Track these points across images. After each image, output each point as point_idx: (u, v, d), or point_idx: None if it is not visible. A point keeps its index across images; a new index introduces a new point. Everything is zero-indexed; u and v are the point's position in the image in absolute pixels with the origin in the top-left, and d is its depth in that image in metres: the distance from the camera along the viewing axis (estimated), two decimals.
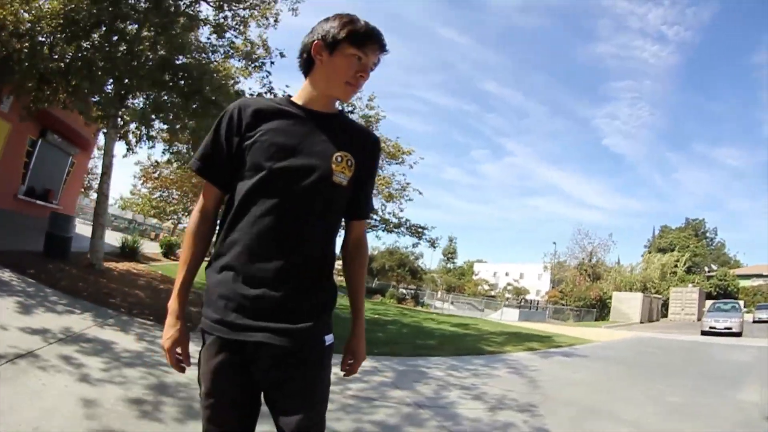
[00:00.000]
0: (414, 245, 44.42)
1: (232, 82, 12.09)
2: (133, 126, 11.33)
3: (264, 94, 11.74)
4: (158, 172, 29.93)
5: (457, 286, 61.85)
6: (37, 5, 8.94)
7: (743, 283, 45.39)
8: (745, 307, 35.67)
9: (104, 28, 9.55)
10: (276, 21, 12.32)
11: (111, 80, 9.91)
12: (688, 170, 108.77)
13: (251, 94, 11.65)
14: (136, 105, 11.29)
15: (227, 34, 11.78)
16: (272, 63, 12.48)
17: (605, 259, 50.41)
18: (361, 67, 1.41)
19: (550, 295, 48.93)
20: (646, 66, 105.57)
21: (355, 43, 1.38)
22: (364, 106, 20.94)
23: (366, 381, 5.37)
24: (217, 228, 1.48)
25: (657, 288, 41.85)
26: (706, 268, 49.99)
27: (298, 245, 1.34)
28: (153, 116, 10.64)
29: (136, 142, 11.64)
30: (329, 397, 1.44)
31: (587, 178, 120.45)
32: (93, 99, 10.11)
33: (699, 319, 27.73)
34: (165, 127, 11.51)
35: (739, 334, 21.28)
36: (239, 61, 12.59)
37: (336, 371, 1.51)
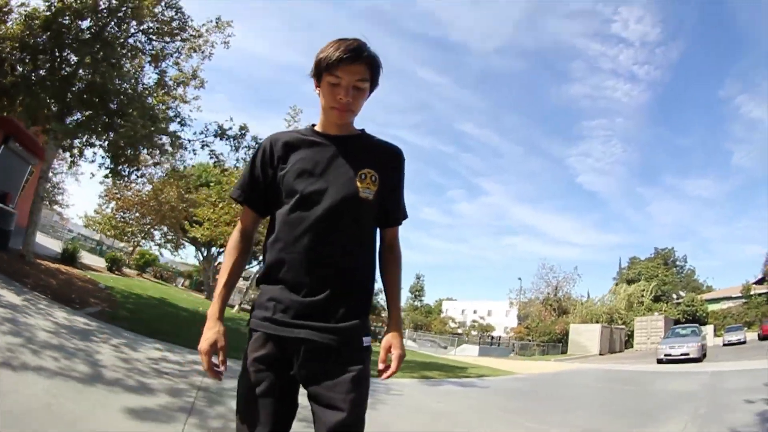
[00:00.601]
0: None
1: (164, 106, 12.82)
2: (77, 141, 12.18)
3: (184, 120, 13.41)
4: (120, 194, 29.79)
5: (424, 324, 61.00)
6: (3, 27, 10.30)
7: (712, 307, 43.34)
8: (715, 331, 33.61)
9: (48, 55, 10.89)
10: (210, 55, 13.63)
11: (52, 99, 11.00)
12: (660, 202, 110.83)
13: (183, 118, 13.43)
14: (71, 123, 11.99)
15: (163, 64, 13.08)
16: (203, 86, 13.83)
17: (572, 293, 48.77)
18: (340, 90, 1.49)
19: (515, 331, 47.88)
20: (619, 105, 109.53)
21: (329, 70, 1.47)
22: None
23: None
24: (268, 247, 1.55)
25: (623, 318, 40.29)
26: (675, 296, 47.66)
27: (334, 258, 1.46)
28: (80, 133, 11.64)
29: (79, 155, 12.49)
30: None
31: (562, 215, 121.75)
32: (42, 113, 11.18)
33: None
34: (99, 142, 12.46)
35: (698, 360, 18.67)
36: (174, 89, 13.44)
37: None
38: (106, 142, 12.21)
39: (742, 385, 9.93)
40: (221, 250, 34.15)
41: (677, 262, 63.98)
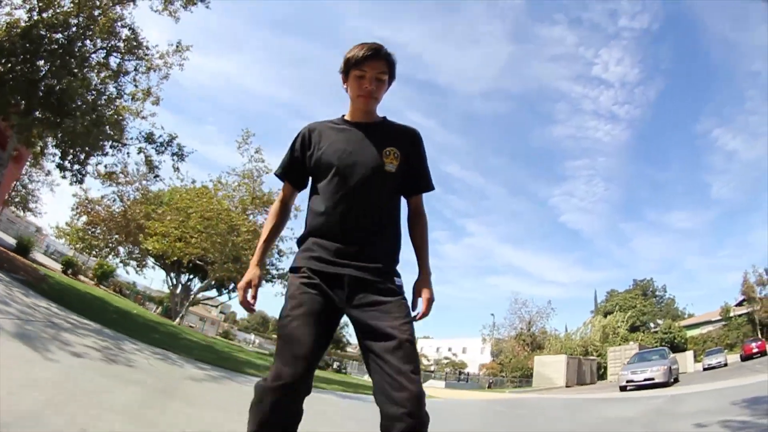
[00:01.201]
0: None
1: (116, 116, 14.03)
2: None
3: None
4: (92, 208, 30.08)
5: None
6: None
7: (692, 332, 40.35)
8: (695, 356, 30.65)
9: (21, 60, 11.62)
10: (167, 75, 14.98)
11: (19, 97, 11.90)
12: (643, 237, 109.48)
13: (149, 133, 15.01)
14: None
15: (123, 80, 14.19)
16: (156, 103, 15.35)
17: (546, 327, 45.81)
18: (365, 81, 1.85)
19: (487, 367, 45.81)
20: (600, 144, 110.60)
21: (356, 66, 1.84)
22: (247, 161, 24.00)
23: None
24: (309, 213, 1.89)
25: (599, 350, 37.04)
26: (652, 325, 44.50)
27: (365, 217, 1.79)
28: (34, 127, 12.62)
29: (41, 152, 14.67)
30: None
31: (546, 254, 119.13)
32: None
33: None
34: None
35: (666, 384, 15.47)
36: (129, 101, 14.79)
37: None
38: (56, 140, 13.51)
39: (701, 407, 7.90)
40: (191, 277, 35.23)
41: (657, 293, 61.20)
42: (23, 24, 11.62)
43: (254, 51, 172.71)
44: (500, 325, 48.37)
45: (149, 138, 14.76)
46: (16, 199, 36.52)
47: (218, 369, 7.22)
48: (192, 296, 36.13)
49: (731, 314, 38.80)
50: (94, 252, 32.24)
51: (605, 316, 43.96)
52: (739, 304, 40.48)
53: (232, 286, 43.03)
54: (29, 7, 11.83)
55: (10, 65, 11.69)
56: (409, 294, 1.80)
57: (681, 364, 28.57)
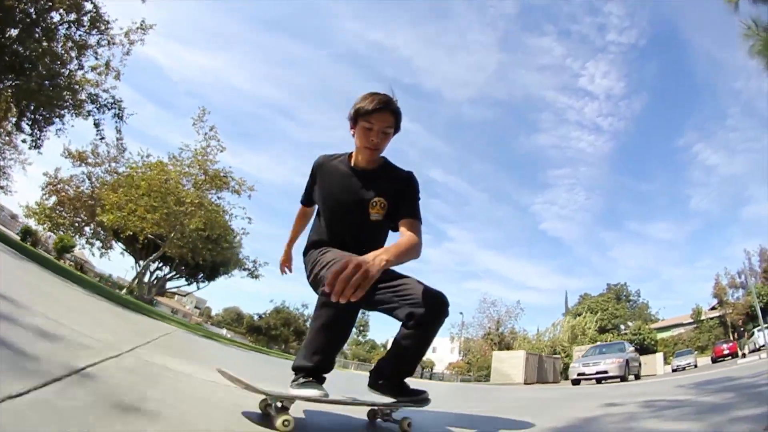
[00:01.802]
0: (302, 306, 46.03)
1: (79, 88, 15.05)
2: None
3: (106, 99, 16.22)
4: (61, 187, 29.77)
5: (366, 359, 59.18)
6: None
7: (663, 335, 38.55)
8: (665, 358, 28.89)
9: None
10: (128, 51, 15.78)
11: None
12: (623, 247, 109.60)
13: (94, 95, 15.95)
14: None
15: (88, 53, 14.82)
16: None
17: (515, 327, 43.89)
18: (372, 133, 2.05)
19: (454, 366, 44.99)
20: (583, 154, 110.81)
21: (365, 117, 2.02)
22: (202, 138, 23.47)
23: None
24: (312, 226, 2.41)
25: (567, 350, 35.23)
26: (623, 327, 42.67)
27: (352, 247, 2.05)
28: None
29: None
30: None
31: (527, 261, 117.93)
32: None
33: None
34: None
35: (622, 378, 13.41)
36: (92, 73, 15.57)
37: None
38: (12, 99, 13.67)
39: (638, 391, 5.71)
40: (161, 265, 36.64)
41: (630, 297, 59.78)
42: None
43: (245, 49, 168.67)
44: (469, 325, 46.28)
45: (93, 99, 15.46)
46: None
47: None
48: (156, 281, 35.08)
49: (703, 317, 37.11)
50: (60, 231, 32.10)
51: (575, 318, 42.16)
52: (712, 309, 38.84)
53: (201, 276, 42.02)
54: None
55: None
56: None
57: (650, 365, 26.79)
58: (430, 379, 37.93)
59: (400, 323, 1.93)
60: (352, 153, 2.19)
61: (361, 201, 2.09)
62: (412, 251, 1.94)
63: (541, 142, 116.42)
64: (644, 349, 33.35)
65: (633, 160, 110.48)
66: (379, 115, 1.99)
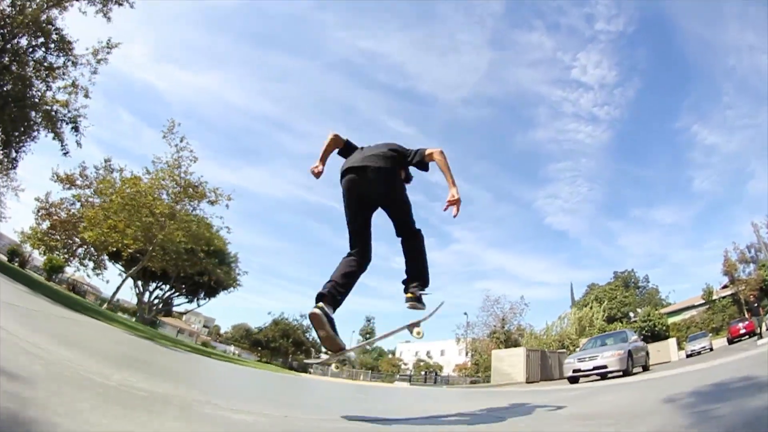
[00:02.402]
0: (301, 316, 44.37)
1: (49, 108, 15.63)
2: None
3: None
4: (53, 211, 30.25)
5: (374, 366, 57.74)
6: None
7: (674, 319, 35.91)
8: (678, 343, 26.51)
9: None
10: (95, 70, 16.28)
11: None
12: (629, 234, 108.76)
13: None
14: None
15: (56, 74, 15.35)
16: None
17: (522, 324, 41.26)
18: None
19: (460, 367, 43.30)
20: (582, 145, 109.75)
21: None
22: (174, 145, 23.32)
23: None
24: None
25: (575, 343, 33.15)
26: (632, 314, 40.24)
27: None
28: None
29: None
30: None
31: (533, 256, 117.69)
32: None
33: None
34: None
35: (624, 373, 11.40)
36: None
37: None
38: None
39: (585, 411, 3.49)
40: (159, 283, 36.70)
41: (639, 283, 57.33)
42: None
43: (237, 66, 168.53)
44: (474, 324, 43.81)
45: (48, 115, 15.64)
46: None
47: None
48: (156, 301, 34.25)
49: (714, 297, 34.61)
50: (55, 254, 31.46)
51: (581, 309, 39.89)
52: (724, 287, 36.40)
53: (203, 293, 40.87)
54: None
55: None
56: None
57: (663, 352, 24.58)
58: (435, 383, 35.79)
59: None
60: None
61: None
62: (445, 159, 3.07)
63: (539, 137, 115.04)
64: (656, 335, 31.19)
65: (632, 146, 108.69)
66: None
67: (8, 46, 13.60)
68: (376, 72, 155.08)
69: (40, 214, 30.72)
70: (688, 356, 22.16)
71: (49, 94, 15.48)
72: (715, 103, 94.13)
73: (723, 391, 3.07)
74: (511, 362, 21.49)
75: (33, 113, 15.09)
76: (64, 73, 15.46)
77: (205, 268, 29.59)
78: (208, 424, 1.72)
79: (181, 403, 2.09)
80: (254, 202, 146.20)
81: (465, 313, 48.27)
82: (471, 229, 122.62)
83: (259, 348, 45.10)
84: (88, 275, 33.22)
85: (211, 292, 40.59)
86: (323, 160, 3.06)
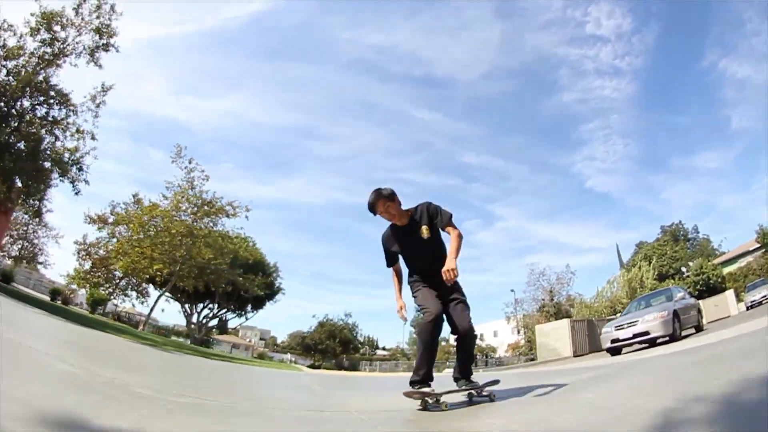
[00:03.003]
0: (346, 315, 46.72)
1: (59, 157, 15.99)
2: None
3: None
4: (93, 251, 31.30)
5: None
6: None
7: (728, 269, 33.52)
8: (737, 295, 24.54)
9: None
10: (96, 115, 16.90)
11: None
12: (674, 187, 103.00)
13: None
14: None
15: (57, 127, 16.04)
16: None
17: (571, 293, 40.10)
18: (385, 216, 3.61)
19: (512, 346, 42.23)
20: (610, 101, 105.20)
21: (372, 213, 3.65)
22: (183, 168, 24.98)
23: None
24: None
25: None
26: (684, 270, 38.00)
27: (431, 267, 3.51)
28: None
29: None
30: None
31: (579, 223, 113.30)
32: None
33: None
34: None
35: (671, 338, 10.35)
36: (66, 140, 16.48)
37: None
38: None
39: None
40: (207, 302, 37.81)
41: (688, 236, 54.34)
42: None
43: (253, 84, 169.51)
44: (523, 300, 42.45)
45: (56, 160, 15.85)
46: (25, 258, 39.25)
47: None
48: (206, 321, 35.46)
49: None
50: (100, 289, 32.65)
51: (629, 271, 37.90)
52: None
53: (249, 307, 42.11)
54: None
55: None
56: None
57: (722, 307, 22.72)
58: (486, 366, 34.94)
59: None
60: (392, 223, 3.70)
61: (414, 234, 3.60)
62: (459, 240, 3.49)
63: (565, 100, 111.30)
64: (711, 288, 29.18)
65: (661, 94, 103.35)
66: (375, 212, 3.56)
67: (12, 110, 14.62)
68: (390, 64, 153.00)
69: (80, 255, 32.22)
70: (748, 308, 20.31)
71: (58, 144, 16.18)
72: (738, 33, 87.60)
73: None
74: (556, 335, 20.43)
75: (47, 164, 15.77)
76: (67, 124, 16.17)
77: (235, 280, 29.95)
78: None
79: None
80: (296, 211, 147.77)
81: (512, 290, 47.17)
82: (512, 205, 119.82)
83: (312, 352, 45.38)
84: (133, 304, 35.13)
85: (258, 305, 41.33)
86: (400, 295, 3.80)
